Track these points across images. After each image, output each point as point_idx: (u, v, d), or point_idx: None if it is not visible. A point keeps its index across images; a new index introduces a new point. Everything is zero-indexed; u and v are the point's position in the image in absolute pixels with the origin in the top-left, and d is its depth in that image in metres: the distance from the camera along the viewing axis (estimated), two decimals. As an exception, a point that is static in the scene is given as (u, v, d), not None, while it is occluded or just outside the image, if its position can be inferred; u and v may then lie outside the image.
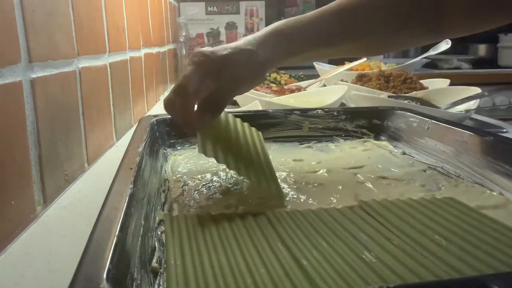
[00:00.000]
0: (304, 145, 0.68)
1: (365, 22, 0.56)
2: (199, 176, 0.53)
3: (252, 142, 0.55)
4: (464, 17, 0.56)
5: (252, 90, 0.98)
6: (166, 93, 1.43)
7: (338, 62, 1.38)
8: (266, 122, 0.71)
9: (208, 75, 0.46)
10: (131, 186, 0.35)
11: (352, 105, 0.96)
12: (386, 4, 0.56)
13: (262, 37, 0.51)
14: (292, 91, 1.10)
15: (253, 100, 0.89)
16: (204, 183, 0.51)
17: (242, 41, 0.50)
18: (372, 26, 0.56)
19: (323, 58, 0.65)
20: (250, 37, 0.51)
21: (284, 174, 0.54)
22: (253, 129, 0.60)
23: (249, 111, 0.76)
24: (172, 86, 0.47)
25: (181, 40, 1.72)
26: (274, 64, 0.53)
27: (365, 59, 1.30)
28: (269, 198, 0.46)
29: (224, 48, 0.48)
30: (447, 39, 1.36)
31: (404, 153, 0.63)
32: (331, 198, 0.46)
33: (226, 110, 0.57)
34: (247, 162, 0.48)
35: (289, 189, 0.49)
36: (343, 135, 0.72)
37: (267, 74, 0.54)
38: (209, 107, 0.47)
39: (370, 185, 0.50)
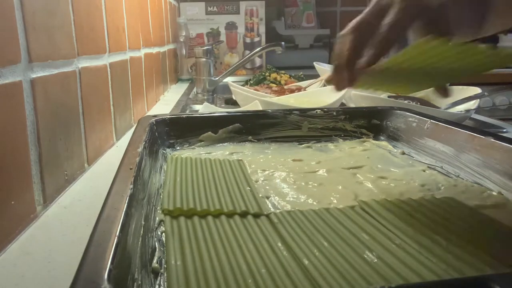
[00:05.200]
0: (303, 145, 0.68)
1: None
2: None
3: None
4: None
5: (251, 90, 0.98)
6: (166, 93, 1.42)
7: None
8: (266, 122, 0.70)
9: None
10: (131, 186, 0.35)
11: (352, 105, 0.95)
12: None
13: None
14: (292, 91, 1.10)
15: (253, 100, 0.89)
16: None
17: None
18: None
19: None
20: None
21: (284, 174, 0.54)
22: None
23: (249, 111, 0.76)
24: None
25: (181, 40, 1.72)
26: None
27: None
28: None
29: None
30: None
31: (403, 153, 0.63)
32: (331, 198, 0.46)
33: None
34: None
35: (289, 189, 0.49)
36: (342, 135, 0.72)
37: None
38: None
39: (370, 185, 0.50)
